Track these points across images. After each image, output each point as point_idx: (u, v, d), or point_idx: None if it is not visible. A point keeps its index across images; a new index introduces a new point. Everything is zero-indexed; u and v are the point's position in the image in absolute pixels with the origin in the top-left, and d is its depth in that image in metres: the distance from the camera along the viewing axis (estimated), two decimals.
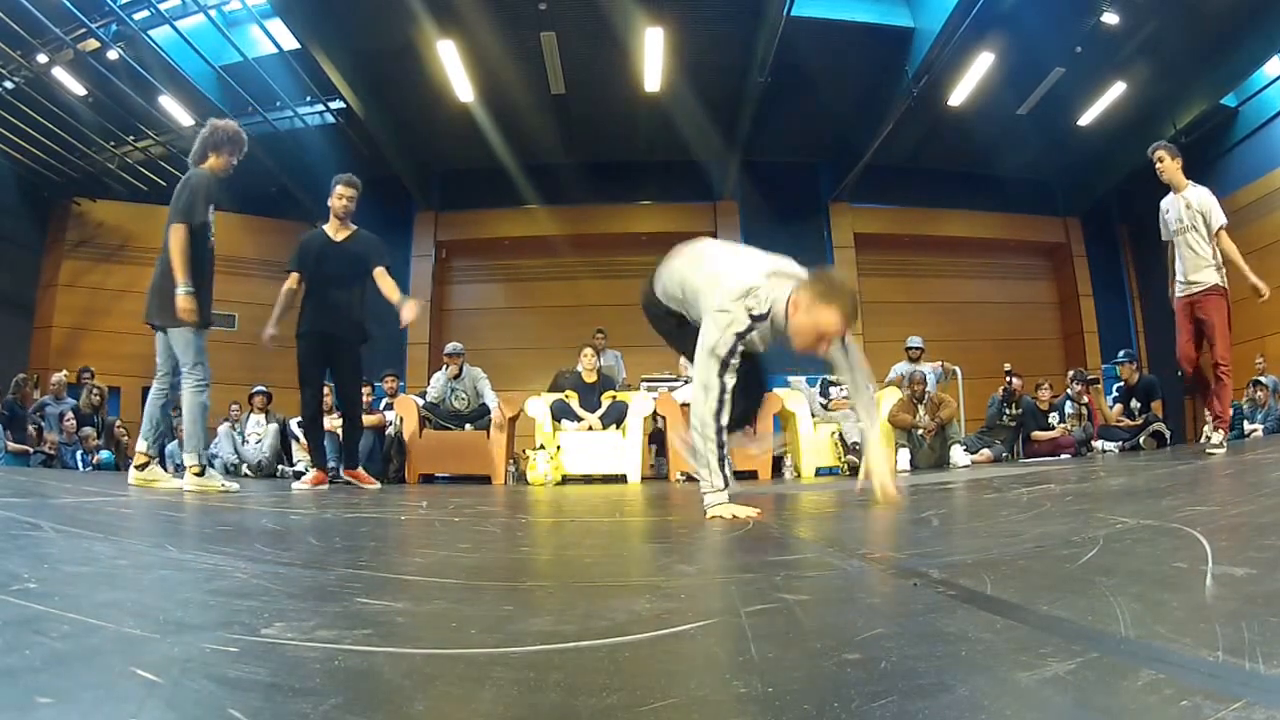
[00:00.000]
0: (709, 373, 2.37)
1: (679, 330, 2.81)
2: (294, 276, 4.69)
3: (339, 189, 4.71)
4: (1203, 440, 5.10)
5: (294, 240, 5.19)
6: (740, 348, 2.38)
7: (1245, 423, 7.96)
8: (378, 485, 4.72)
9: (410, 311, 4.48)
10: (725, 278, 2.49)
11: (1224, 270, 4.71)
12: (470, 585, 1.27)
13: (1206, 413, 4.97)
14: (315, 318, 4.64)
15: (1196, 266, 4.73)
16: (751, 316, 2.38)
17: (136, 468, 3.95)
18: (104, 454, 7.95)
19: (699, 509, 2.41)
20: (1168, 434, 7.40)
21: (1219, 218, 4.71)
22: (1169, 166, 4.81)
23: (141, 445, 3.99)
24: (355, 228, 4.79)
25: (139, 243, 10.63)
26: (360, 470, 4.93)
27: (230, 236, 9.77)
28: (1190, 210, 4.75)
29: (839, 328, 2.37)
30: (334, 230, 4.75)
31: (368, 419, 6.55)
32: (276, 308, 4.65)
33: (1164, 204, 4.94)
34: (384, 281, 4.67)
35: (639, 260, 12.05)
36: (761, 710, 0.60)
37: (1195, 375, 4.87)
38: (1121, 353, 8.16)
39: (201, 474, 3.92)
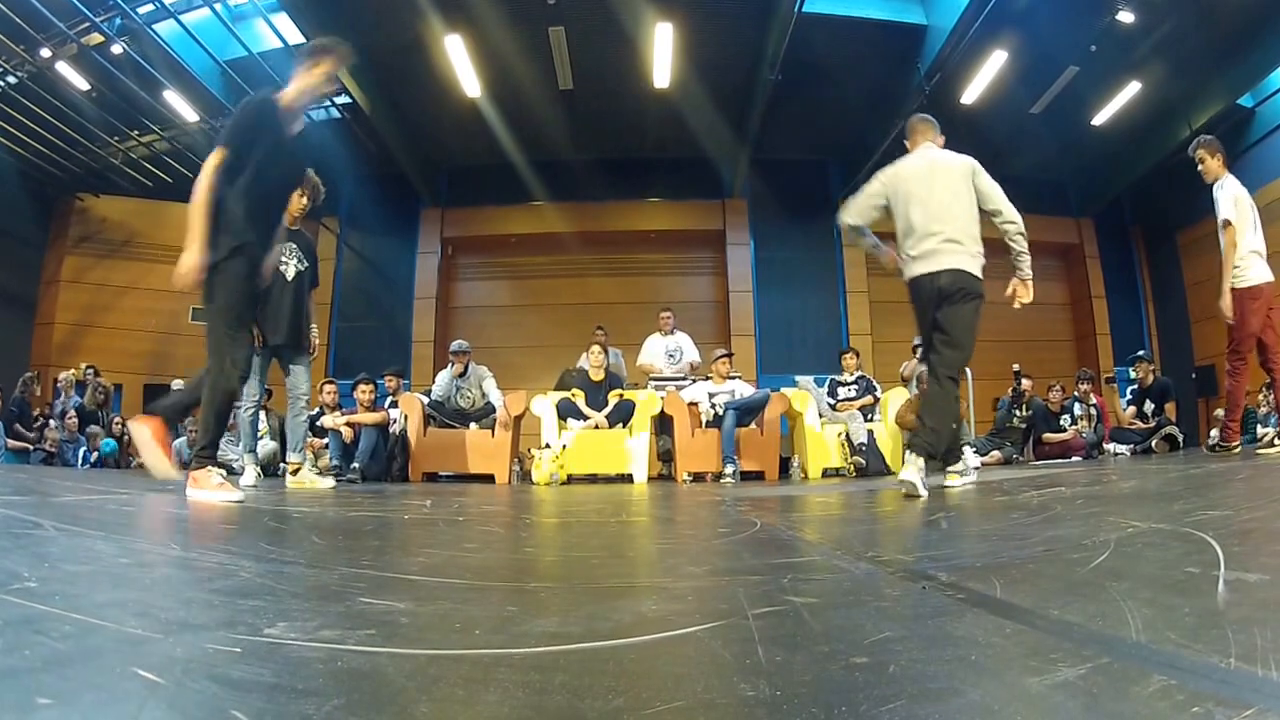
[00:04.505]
0: None
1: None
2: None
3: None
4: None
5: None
6: None
7: (1259, 426, 7.91)
8: None
9: None
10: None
11: None
12: (474, 585, 1.27)
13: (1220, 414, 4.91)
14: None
15: None
16: None
17: (292, 474, 4.63)
18: (106, 442, 7.98)
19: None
20: (1180, 437, 7.34)
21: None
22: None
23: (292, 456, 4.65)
24: None
25: (142, 239, 10.65)
26: None
27: None
28: None
29: None
30: None
31: (372, 417, 6.46)
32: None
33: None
34: None
35: (647, 257, 12.08)
36: (768, 714, 0.60)
37: None
38: (1139, 351, 8.09)
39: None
